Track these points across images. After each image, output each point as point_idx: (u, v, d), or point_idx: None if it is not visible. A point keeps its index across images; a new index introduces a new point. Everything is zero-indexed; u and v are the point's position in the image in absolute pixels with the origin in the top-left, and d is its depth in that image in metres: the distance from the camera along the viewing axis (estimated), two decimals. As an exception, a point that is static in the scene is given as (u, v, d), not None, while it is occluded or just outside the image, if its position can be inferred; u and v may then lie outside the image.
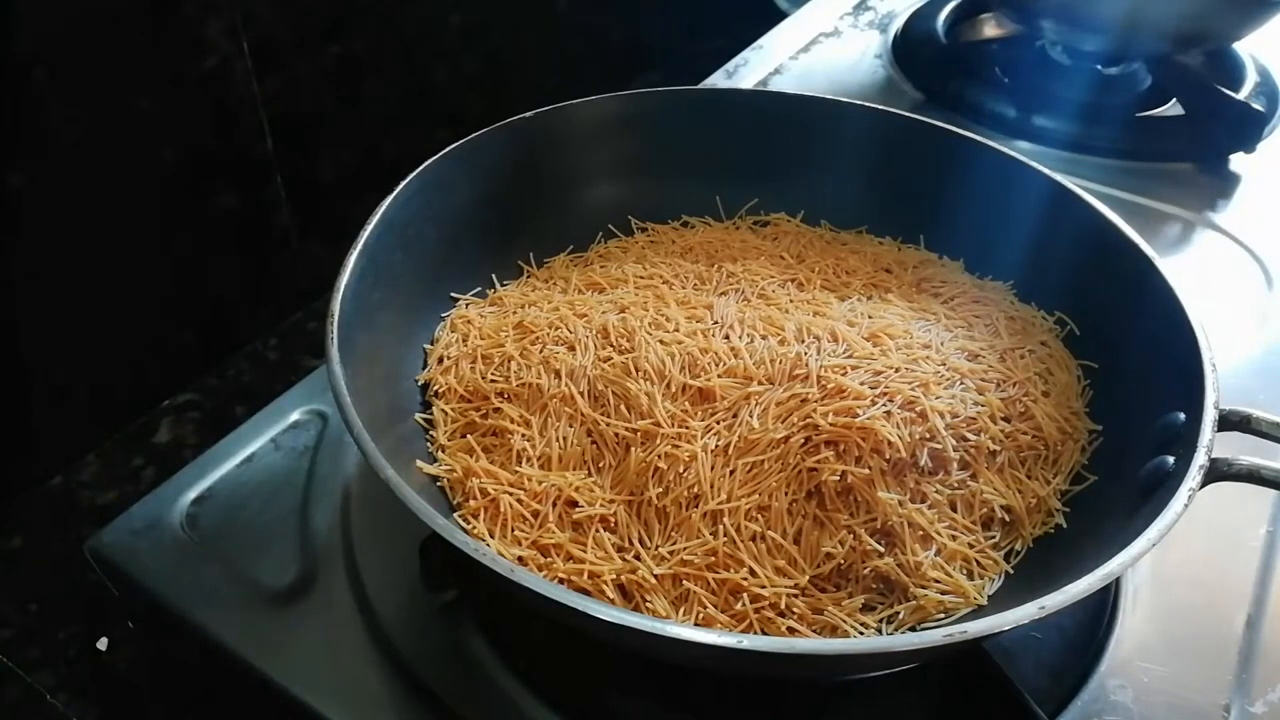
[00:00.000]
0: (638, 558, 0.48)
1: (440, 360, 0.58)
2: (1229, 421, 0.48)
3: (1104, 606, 0.52)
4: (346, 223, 0.55)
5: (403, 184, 0.58)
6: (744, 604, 0.47)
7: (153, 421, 0.67)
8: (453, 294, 0.63)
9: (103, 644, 0.55)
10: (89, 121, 0.58)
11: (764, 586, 0.47)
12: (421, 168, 0.59)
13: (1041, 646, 0.51)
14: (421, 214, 0.59)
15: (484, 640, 0.50)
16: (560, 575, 0.48)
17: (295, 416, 0.61)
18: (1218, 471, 0.46)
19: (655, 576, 0.47)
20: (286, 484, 0.57)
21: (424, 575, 0.51)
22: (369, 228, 0.55)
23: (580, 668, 0.49)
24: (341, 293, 0.51)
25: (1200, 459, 0.45)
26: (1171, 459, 0.47)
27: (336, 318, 0.50)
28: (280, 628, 0.51)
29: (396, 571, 0.52)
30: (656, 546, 0.49)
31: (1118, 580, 0.52)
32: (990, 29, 1.03)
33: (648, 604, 0.47)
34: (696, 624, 0.46)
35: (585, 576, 0.48)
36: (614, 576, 0.48)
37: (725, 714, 0.49)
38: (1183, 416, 0.49)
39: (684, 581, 0.47)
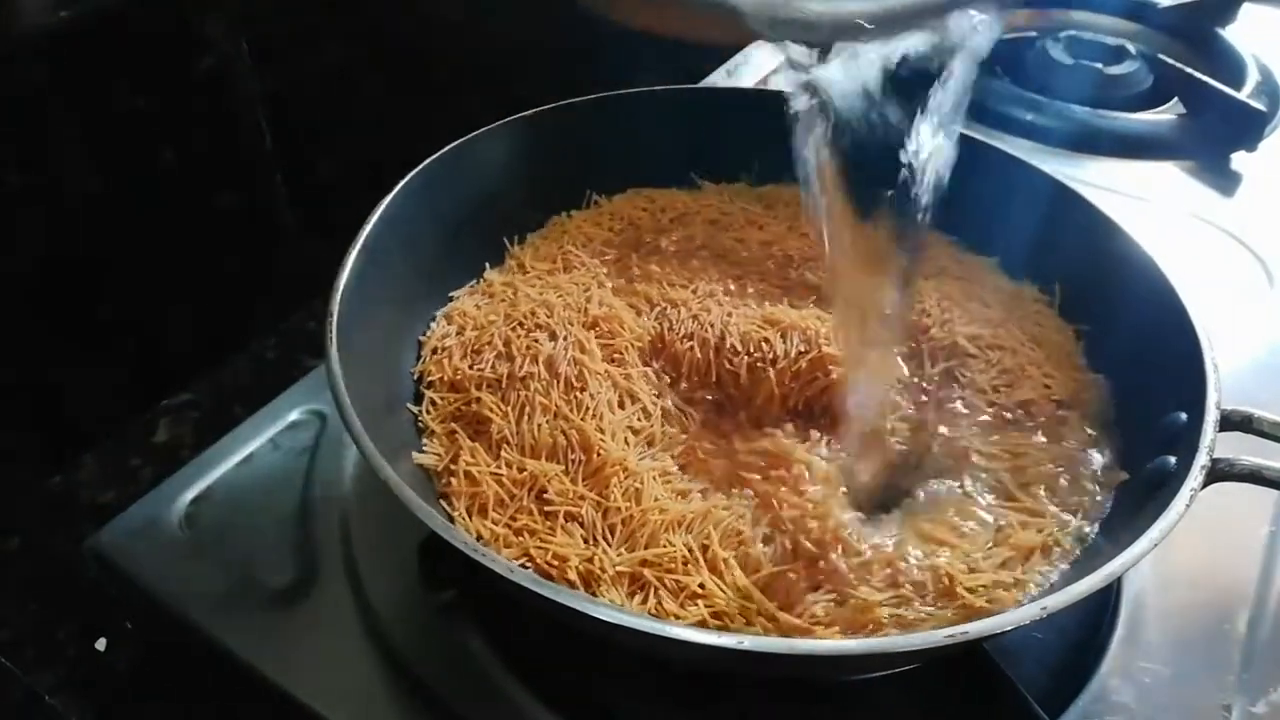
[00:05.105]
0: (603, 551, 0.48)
1: (434, 351, 0.59)
2: (1230, 422, 0.48)
3: (1106, 607, 0.52)
4: (346, 222, 0.55)
5: (402, 183, 0.58)
6: (699, 608, 0.46)
7: (151, 421, 0.67)
8: (451, 295, 0.63)
9: (101, 644, 0.55)
10: (89, 121, 0.58)
11: (719, 599, 0.46)
12: (421, 166, 0.59)
13: (1043, 647, 0.50)
14: (420, 213, 0.59)
15: (484, 640, 0.50)
16: (529, 552, 0.48)
17: (294, 416, 0.61)
18: (1219, 472, 0.46)
19: (616, 570, 0.47)
20: (285, 484, 0.57)
21: (423, 575, 0.50)
22: (368, 226, 0.55)
23: (580, 668, 0.49)
24: (341, 292, 0.51)
25: (1202, 459, 0.45)
26: (1173, 459, 0.47)
27: (335, 318, 0.50)
28: (279, 628, 0.51)
29: (396, 571, 0.52)
30: (619, 547, 0.49)
31: (1119, 580, 0.52)
32: (991, 28, 1.03)
33: (603, 593, 0.47)
34: (651, 614, 0.46)
35: (550, 556, 0.48)
36: (578, 563, 0.48)
37: (725, 714, 0.49)
38: (1184, 417, 0.49)
39: (644, 573, 0.47)
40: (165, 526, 0.54)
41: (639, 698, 0.49)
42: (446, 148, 0.61)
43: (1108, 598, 0.53)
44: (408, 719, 0.48)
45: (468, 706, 0.48)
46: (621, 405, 0.55)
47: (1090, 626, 0.52)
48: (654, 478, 0.51)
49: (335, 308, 0.50)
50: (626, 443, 0.53)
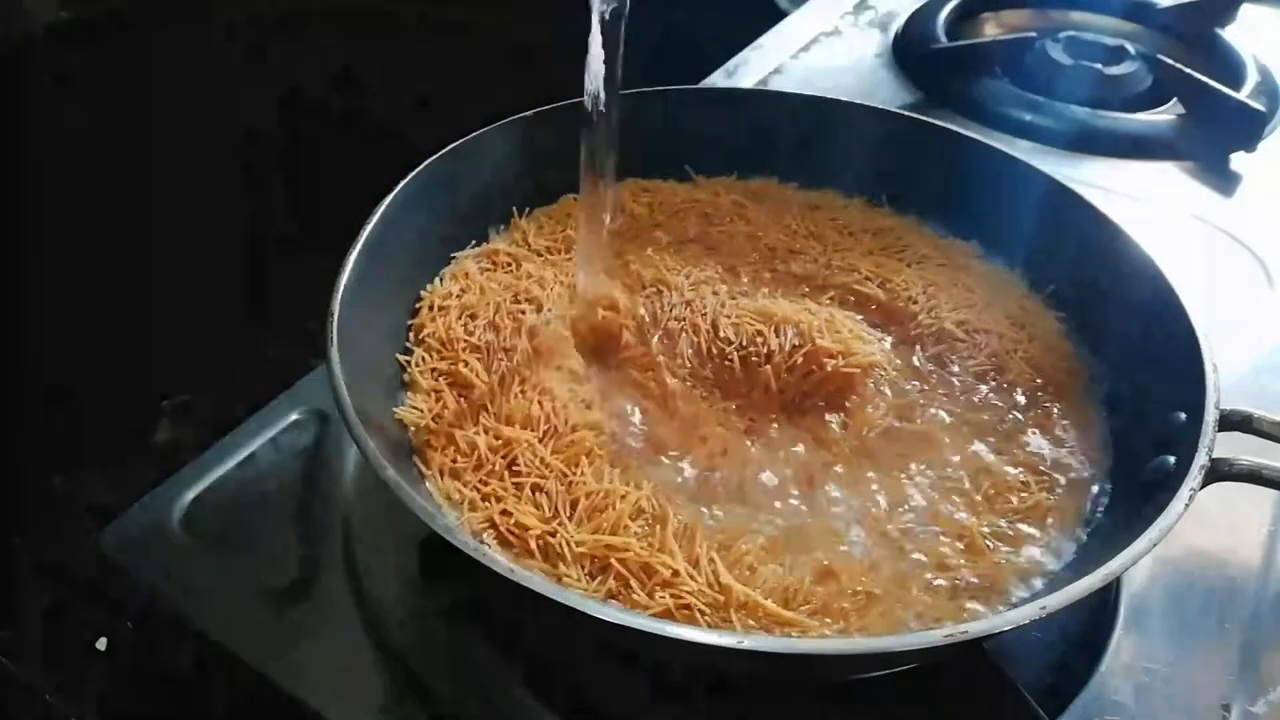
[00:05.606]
0: (563, 525, 0.49)
1: (431, 308, 0.59)
2: (1230, 421, 0.48)
3: (1105, 606, 0.52)
4: (347, 222, 0.55)
5: (402, 183, 0.58)
6: (666, 596, 0.46)
7: (151, 421, 0.67)
8: (452, 256, 0.63)
9: (102, 644, 0.55)
10: (89, 125, 0.58)
11: (690, 592, 0.46)
12: (421, 167, 0.59)
13: (1043, 646, 0.50)
14: (419, 213, 0.59)
15: (484, 640, 0.50)
16: (493, 518, 0.49)
17: (295, 416, 0.61)
18: (1219, 472, 0.46)
19: (575, 550, 0.47)
20: (286, 484, 0.57)
21: (424, 575, 0.51)
22: (368, 227, 0.55)
23: (580, 668, 0.49)
24: (341, 292, 0.51)
25: (1201, 459, 0.45)
26: (1173, 459, 0.47)
27: (336, 318, 0.50)
28: (280, 627, 0.51)
29: (396, 571, 0.52)
30: (578, 523, 0.49)
31: (1119, 580, 0.52)
32: (991, 28, 1.03)
33: (564, 571, 0.47)
34: (609, 597, 0.46)
35: (513, 524, 0.48)
36: (538, 533, 0.48)
37: (725, 714, 0.49)
38: (1184, 416, 0.49)
39: (611, 559, 0.47)
40: (165, 526, 0.54)
41: (639, 698, 0.49)
42: (446, 148, 0.61)
43: (1107, 597, 0.53)
44: (407, 718, 0.48)
45: (468, 706, 0.48)
46: None
47: (1090, 626, 0.52)
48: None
49: (335, 308, 0.50)
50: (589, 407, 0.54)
